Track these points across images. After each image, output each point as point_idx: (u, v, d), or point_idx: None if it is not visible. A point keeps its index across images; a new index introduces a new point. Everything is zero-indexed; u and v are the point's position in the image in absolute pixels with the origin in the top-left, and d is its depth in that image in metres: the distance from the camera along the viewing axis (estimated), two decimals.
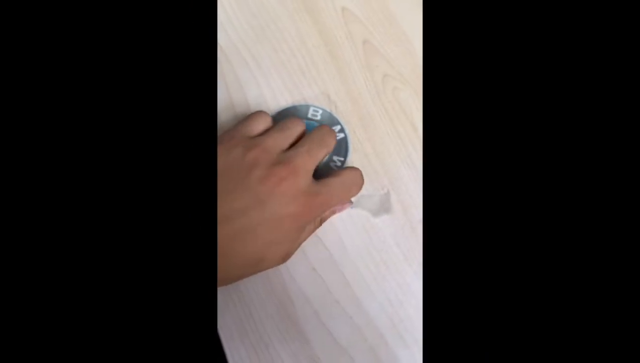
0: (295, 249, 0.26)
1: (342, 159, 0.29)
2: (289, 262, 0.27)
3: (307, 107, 0.30)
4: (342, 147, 0.29)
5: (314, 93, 0.31)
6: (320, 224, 0.27)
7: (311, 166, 0.25)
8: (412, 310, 0.26)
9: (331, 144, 0.26)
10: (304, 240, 0.26)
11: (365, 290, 0.26)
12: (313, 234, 0.27)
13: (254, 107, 0.30)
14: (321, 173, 0.28)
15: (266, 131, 0.26)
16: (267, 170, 0.23)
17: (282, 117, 0.30)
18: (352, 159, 0.29)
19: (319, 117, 0.30)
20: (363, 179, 0.27)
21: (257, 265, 0.24)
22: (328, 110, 0.30)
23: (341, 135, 0.30)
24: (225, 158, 0.24)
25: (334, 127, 0.30)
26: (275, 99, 0.30)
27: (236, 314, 0.26)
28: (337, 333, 0.26)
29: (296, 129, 0.26)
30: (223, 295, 0.26)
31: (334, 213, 0.27)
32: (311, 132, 0.27)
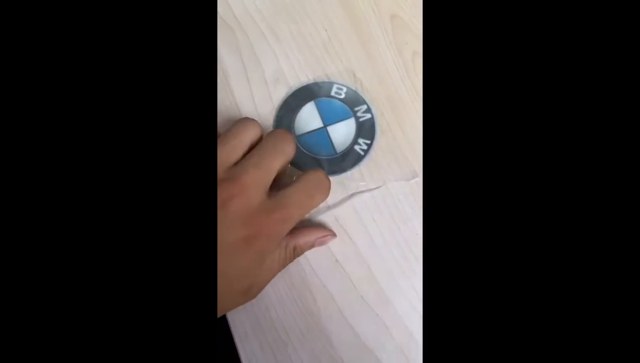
0: (263, 282, 0.22)
1: (368, 142, 0.26)
2: (310, 254, 0.24)
3: (331, 84, 0.27)
4: (368, 129, 0.27)
5: (337, 70, 0.28)
6: (295, 253, 0.23)
7: (264, 180, 0.21)
8: None
9: (289, 151, 0.22)
10: (275, 270, 0.22)
11: (393, 286, 0.24)
12: (336, 223, 0.25)
13: (271, 84, 0.28)
14: (348, 158, 0.26)
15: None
16: None
17: (302, 94, 0.27)
18: (380, 143, 0.27)
19: (342, 96, 0.27)
20: (329, 181, 0.23)
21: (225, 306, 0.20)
22: (353, 88, 0.27)
23: (367, 115, 0.27)
24: None
25: (359, 107, 0.27)
26: (296, 75, 0.28)
27: (251, 310, 0.23)
28: (362, 333, 0.23)
29: (247, 135, 0.22)
30: None
31: (312, 246, 0.24)
32: (264, 138, 0.22)
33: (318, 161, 0.26)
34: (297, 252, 0.23)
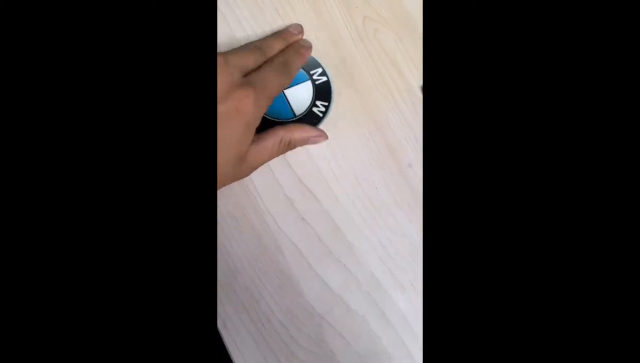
0: (255, 161, 0.24)
1: (325, 104, 0.27)
2: (277, 213, 0.25)
3: None
4: (325, 91, 0.28)
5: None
6: (289, 147, 0.25)
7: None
8: (407, 253, 0.26)
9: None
10: (266, 156, 0.25)
11: (357, 235, 0.25)
12: (300, 183, 0.26)
13: (222, 47, 0.27)
14: (307, 120, 0.27)
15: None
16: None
17: None
18: (337, 104, 0.27)
19: None
20: (311, 45, 0.27)
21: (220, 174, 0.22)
22: None
23: (323, 78, 0.28)
24: None
25: (314, 70, 0.28)
26: (247, 37, 0.28)
27: (222, 275, 0.24)
28: (330, 281, 0.25)
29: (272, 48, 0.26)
30: None
31: (306, 143, 0.26)
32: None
33: (278, 124, 0.26)
34: (290, 146, 0.25)
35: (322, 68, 0.28)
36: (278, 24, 0.28)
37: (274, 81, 0.24)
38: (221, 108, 0.22)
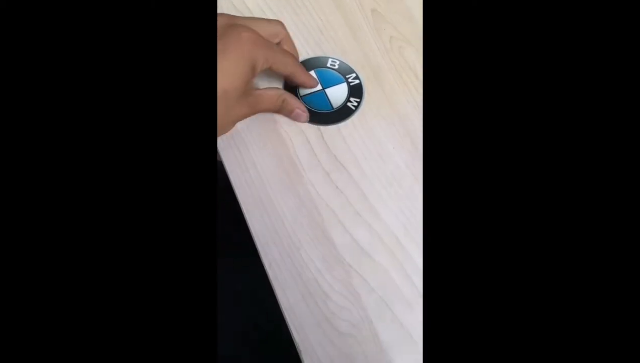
0: (257, 103, 0.30)
1: (358, 100, 0.34)
2: (315, 180, 0.31)
3: (327, 58, 0.35)
4: (357, 90, 0.34)
5: (331, 48, 0.36)
6: (284, 105, 0.31)
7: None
8: (420, 217, 0.30)
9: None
10: (266, 103, 0.31)
11: (381, 203, 0.31)
12: (335, 160, 0.31)
13: None
14: (342, 112, 0.33)
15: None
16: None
17: (305, 65, 0.34)
18: (367, 100, 0.34)
19: (336, 66, 0.35)
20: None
21: (225, 99, 0.27)
22: (344, 61, 0.35)
23: (356, 81, 0.34)
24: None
25: (349, 75, 0.35)
26: (299, 53, 0.35)
27: (269, 223, 0.29)
28: (359, 238, 0.29)
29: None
30: (256, 209, 0.30)
31: (293, 108, 0.32)
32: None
33: (319, 115, 0.33)
34: (284, 104, 0.32)
35: (356, 73, 0.35)
36: (323, 47, 0.36)
37: (278, 51, 0.30)
38: (222, 42, 0.27)
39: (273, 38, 0.31)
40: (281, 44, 0.32)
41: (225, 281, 0.28)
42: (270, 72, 0.32)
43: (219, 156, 0.32)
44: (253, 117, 0.32)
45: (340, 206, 0.30)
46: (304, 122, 0.33)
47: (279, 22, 0.32)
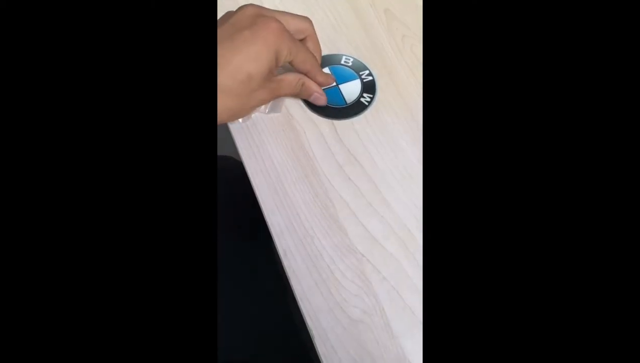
0: (270, 89, 0.31)
1: (371, 96, 0.35)
2: (329, 172, 0.31)
3: (340, 55, 0.36)
4: (370, 87, 0.35)
5: (345, 46, 0.37)
6: (303, 88, 0.32)
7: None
8: None
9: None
10: (285, 88, 0.32)
11: (392, 195, 0.31)
12: (349, 153, 0.32)
13: None
14: (356, 107, 0.34)
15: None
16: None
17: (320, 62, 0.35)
18: (379, 96, 0.35)
19: (350, 64, 0.36)
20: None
21: (249, 83, 0.29)
22: (358, 58, 0.36)
23: (370, 78, 0.35)
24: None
25: (363, 72, 0.36)
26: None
27: (285, 215, 0.30)
28: (371, 228, 0.30)
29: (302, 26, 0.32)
30: (272, 197, 0.31)
31: (312, 92, 0.33)
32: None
33: (333, 110, 0.34)
34: (304, 88, 0.33)
35: (369, 70, 0.36)
36: (338, 44, 0.37)
37: (302, 47, 0.31)
38: (250, 30, 0.28)
39: (299, 34, 0.32)
40: (306, 40, 0.33)
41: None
42: (288, 67, 0.33)
43: (237, 148, 0.33)
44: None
45: (353, 197, 0.31)
46: (323, 104, 0.34)
47: (307, 19, 0.33)
